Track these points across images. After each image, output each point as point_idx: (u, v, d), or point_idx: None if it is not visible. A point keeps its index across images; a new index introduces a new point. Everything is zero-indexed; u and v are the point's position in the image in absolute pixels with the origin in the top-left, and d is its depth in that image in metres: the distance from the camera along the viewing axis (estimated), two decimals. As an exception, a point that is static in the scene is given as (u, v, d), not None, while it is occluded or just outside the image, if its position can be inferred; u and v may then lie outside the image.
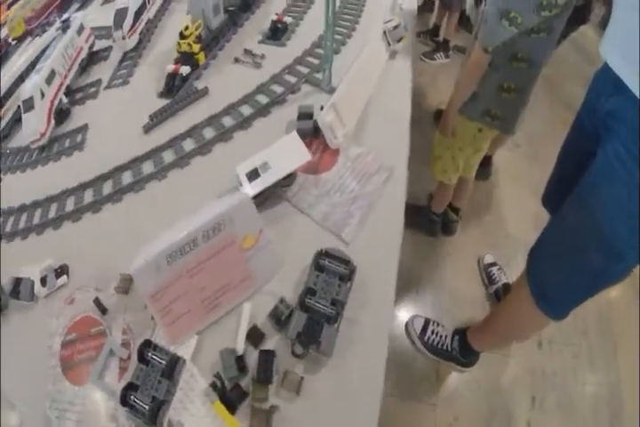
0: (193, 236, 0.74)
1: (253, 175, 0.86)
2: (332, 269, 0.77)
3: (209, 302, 0.77)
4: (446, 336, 1.77)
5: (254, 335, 0.75)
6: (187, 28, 1.27)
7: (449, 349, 1.74)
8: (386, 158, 1.02)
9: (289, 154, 0.89)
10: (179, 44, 1.27)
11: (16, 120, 1.36)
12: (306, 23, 1.51)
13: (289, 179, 0.91)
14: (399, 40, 1.37)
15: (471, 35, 3.94)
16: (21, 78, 1.41)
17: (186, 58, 1.27)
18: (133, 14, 1.48)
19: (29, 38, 1.91)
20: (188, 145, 1.07)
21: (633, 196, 0.95)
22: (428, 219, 2.21)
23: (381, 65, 1.31)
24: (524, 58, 1.37)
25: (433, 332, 1.79)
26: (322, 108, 1.00)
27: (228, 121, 1.11)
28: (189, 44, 1.25)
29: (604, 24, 3.75)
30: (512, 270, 2.07)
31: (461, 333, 1.73)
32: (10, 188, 1.18)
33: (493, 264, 2.12)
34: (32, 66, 1.43)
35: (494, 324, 1.57)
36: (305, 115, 1.02)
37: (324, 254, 0.80)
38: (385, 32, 1.34)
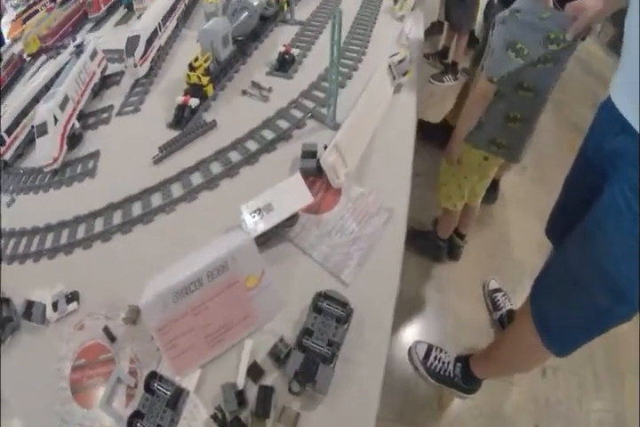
0: (198, 275, 0.80)
1: (257, 215, 0.93)
2: (330, 312, 0.83)
3: (212, 338, 0.84)
4: (449, 363, 1.81)
5: (254, 371, 0.81)
6: (196, 59, 1.35)
7: (451, 375, 1.78)
8: (386, 199, 1.08)
9: (292, 195, 0.96)
10: (188, 75, 1.34)
11: (29, 140, 1.45)
12: (313, 54, 1.59)
13: (291, 220, 0.97)
14: (404, 74, 1.44)
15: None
16: (35, 100, 1.49)
17: (195, 90, 1.34)
18: (145, 42, 1.56)
19: (43, 56, 2.01)
20: (196, 179, 1.14)
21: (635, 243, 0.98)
22: (434, 244, 2.27)
23: (387, 99, 1.38)
24: (530, 87, 1.41)
25: (436, 358, 1.84)
26: (325, 148, 1.07)
27: (234, 156, 1.17)
28: (199, 77, 1.32)
29: (612, 44, 3.82)
30: (517, 296, 2.13)
31: (464, 360, 1.77)
32: (22, 208, 1.26)
33: (498, 290, 2.17)
34: (46, 88, 1.52)
35: (497, 353, 1.61)
36: (308, 153, 1.09)
37: (322, 296, 0.86)
38: (390, 66, 1.41)
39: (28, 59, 2.10)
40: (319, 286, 0.88)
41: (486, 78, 1.42)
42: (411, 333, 2.01)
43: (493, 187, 2.50)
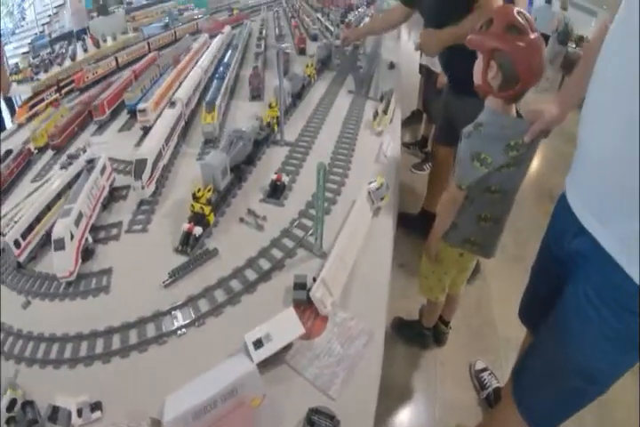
0: (213, 399, 1.03)
1: (258, 344, 1.15)
2: (321, 424, 1.06)
3: (223, 451, 1.06)
4: None
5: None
6: (199, 190, 1.61)
7: None
8: (367, 322, 1.31)
9: (287, 327, 1.19)
10: (192, 205, 1.59)
11: (42, 244, 1.64)
12: (301, 179, 1.88)
13: (288, 346, 1.22)
14: (382, 198, 1.74)
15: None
16: (48, 207, 1.69)
17: (198, 218, 1.59)
18: (151, 165, 1.80)
19: (51, 151, 2.24)
20: (203, 305, 1.36)
21: (609, 339, 1.15)
22: (420, 333, 2.51)
23: (367, 223, 1.66)
24: (497, 190, 1.65)
25: None
26: (314, 279, 1.33)
27: (235, 285, 1.41)
28: (202, 207, 1.58)
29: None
30: (504, 372, 2.34)
31: None
32: (38, 313, 1.39)
33: (484, 369, 2.38)
34: (58, 197, 1.73)
35: None
36: (300, 285, 1.34)
37: (314, 411, 1.09)
38: (369, 192, 1.71)
39: (36, 151, 2.39)
40: (311, 402, 1.08)
41: (456, 186, 1.67)
42: (399, 420, 2.19)
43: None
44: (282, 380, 1.18)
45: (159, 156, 1.92)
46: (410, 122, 5.12)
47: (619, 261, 1.13)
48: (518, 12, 1.45)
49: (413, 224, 3.14)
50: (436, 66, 3.96)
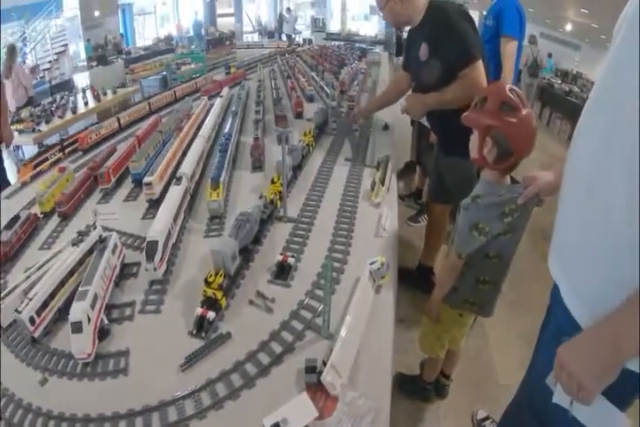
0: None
1: None
2: None
3: None
4: None
5: None
6: (210, 275, 1.76)
7: None
8: (373, 399, 1.44)
9: (301, 410, 1.34)
10: (205, 290, 1.73)
11: (55, 320, 1.74)
12: (305, 259, 2.04)
13: None
14: (383, 277, 1.90)
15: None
16: (62, 283, 1.79)
17: (211, 302, 1.72)
18: (162, 246, 1.93)
19: (63, 234, 2.37)
20: (221, 390, 1.48)
21: None
22: (422, 388, 2.64)
23: (369, 301, 1.81)
24: (494, 256, 1.82)
25: None
26: (324, 363, 1.48)
27: (250, 368, 1.54)
28: (214, 293, 1.72)
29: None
30: None
31: None
32: (57, 392, 1.46)
33: (486, 418, 2.51)
34: (70, 274, 1.85)
35: None
36: (310, 368, 1.47)
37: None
38: (371, 272, 1.87)
39: (42, 216, 2.54)
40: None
41: (455, 254, 1.83)
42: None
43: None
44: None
45: (169, 235, 2.05)
46: (404, 173, 5.34)
47: (568, 305, 1.30)
48: (510, 90, 1.63)
49: (412, 279, 3.31)
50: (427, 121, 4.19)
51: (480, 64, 2.50)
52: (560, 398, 1.24)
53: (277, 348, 1.63)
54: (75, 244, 1.96)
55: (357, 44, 10.05)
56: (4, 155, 4.19)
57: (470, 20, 2.61)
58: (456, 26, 2.51)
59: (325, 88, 4.53)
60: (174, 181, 2.44)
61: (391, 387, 1.53)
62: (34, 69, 7.34)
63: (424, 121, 4.18)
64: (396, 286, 1.94)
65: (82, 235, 1.99)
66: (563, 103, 9.37)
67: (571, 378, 1.15)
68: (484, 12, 4.32)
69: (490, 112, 1.64)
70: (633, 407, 1.33)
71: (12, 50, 5.98)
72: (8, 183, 3.69)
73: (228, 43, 7.90)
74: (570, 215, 1.34)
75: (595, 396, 1.14)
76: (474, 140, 1.75)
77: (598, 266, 1.18)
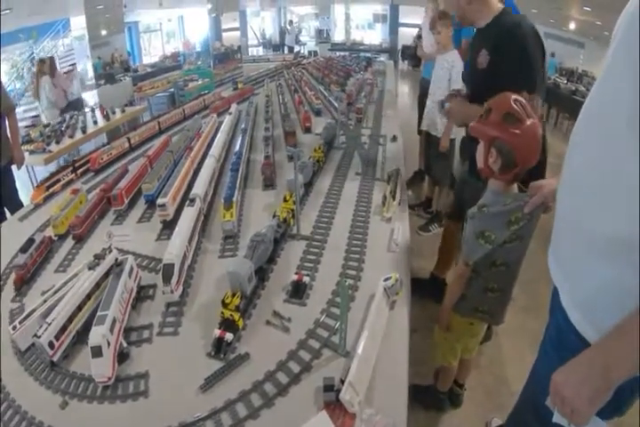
0: None
1: None
2: None
3: None
4: None
5: None
6: (228, 297, 1.80)
7: None
8: (389, 415, 1.47)
9: None
10: (222, 311, 1.76)
11: (74, 344, 1.78)
12: (320, 277, 2.08)
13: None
14: (397, 293, 1.93)
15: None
16: (79, 307, 1.83)
17: (228, 324, 1.75)
18: (178, 268, 1.98)
19: (79, 258, 2.41)
20: (241, 410, 1.51)
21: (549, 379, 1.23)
22: (436, 397, 2.67)
23: (384, 317, 1.83)
24: (502, 264, 1.84)
25: None
26: (342, 381, 1.50)
27: (269, 388, 1.57)
28: (231, 314, 1.75)
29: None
30: None
31: None
32: (78, 415, 1.49)
33: None
34: (87, 298, 1.88)
35: None
36: (328, 387, 1.50)
37: None
38: (385, 289, 1.90)
39: (56, 238, 2.60)
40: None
41: (463, 262, 1.87)
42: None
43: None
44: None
45: (184, 257, 2.10)
46: (413, 182, 5.38)
47: (565, 307, 1.33)
48: (515, 100, 1.66)
49: (425, 290, 3.33)
50: (436, 131, 4.23)
51: (538, 98, 2.37)
52: (559, 418, 1.28)
53: (295, 367, 1.66)
54: (91, 267, 1.99)
55: (362, 54, 10.11)
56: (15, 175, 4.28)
57: (542, 44, 2.43)
58: (529, 56, 2.33)
59: (333, 102, 4.57)
60: (187, 202, 2.49)
61: (407, 403, 1.56)
62: (68, 73, 7.56)
63: (433, 130, 4.25)
64: (410, 301, 1.96)
65: (98, 258, 2.03)
66: (569, 103, 9.33)
67: (564, 402, 1.19)
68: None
69: (494, 123, 1.68)
70: (633, 409, 1.38)
71: (42, 61, 6.53)
72: (21, 205, 3.77)
73: (234, 57, 8.00)
74: (565, 217, 1.36)
75: (588, 419, 1.18)
76: (480, 150, 1.78)
77: (592, 269, 1.21)
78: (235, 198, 2.55)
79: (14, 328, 1.76)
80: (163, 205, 2.57)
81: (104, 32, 8.82)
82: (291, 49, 14.84)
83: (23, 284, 2.21)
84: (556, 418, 1.28)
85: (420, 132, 4.98)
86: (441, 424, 2.64)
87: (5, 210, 3.83)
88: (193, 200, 2.47)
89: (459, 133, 4.31)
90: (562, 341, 1.39)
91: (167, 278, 1.93)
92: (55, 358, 1.68)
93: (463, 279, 1.94)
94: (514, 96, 1.68)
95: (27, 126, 5.89)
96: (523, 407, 1.74)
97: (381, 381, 1.60)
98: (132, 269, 2.07)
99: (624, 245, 1.09)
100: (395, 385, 1.60)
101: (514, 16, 2.47)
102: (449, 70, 4.00)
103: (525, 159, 1.69)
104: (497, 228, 1.73)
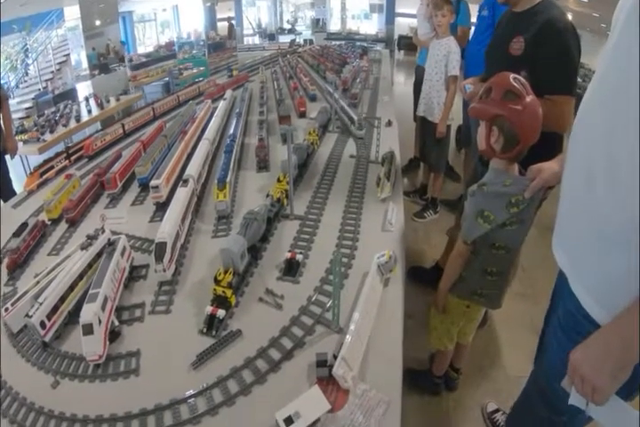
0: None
1: (289, 422, 1.30)
2: None
3: None
4: None
5: None
6: (220, 274, 1.78)
7: None
8: (384, 391, 1.45)
9: (314, 404, 1.35)
10: (214, 288, 1.74)
11: (66, 324, 1.77)
12: (313, 256, 2.06)
13: (315, 421, 1.35)
14: (391, 270, 1.91)
15: (457, 183, 4.70)
16: (71, 288, 1.82)
17: (220, 300, 1.74)
18: (170, 247, 1.96)
19: (72, 240, 2.40)
20: (232, 386, 1.49)
21: (564, 363, 1.23)
22: (431, 382, 2.66)
23: (378, 294, 1.81)
24: (501, 246, 1.82)
25: None
26: (334, 356, 1.48)
27: (261, 364, 1.55)
28: (223, 291, 1.73)
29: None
30: None
31: None
32: (69, 394, 1.49)
33: (496, 411, 2.52)
34: (80, 278, 1.87)
35: None
36: (321, 362, 1.47)
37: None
38: (379, 266, 1.87)
39: (49, 222, 2.58)
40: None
41: (462, 241, 1.86)
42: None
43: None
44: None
45: (177, 236, 2.08)
46: (408, 169, 5.36)
47: (575, 292, 1.31)
48: (514, 78, 1.65)
49: (423, 276, 3.32)
50: (432, 116, 4.20)
51: (573, 102, 2.25)
52: (576, 399, 1.26)
53: (288, 343, 1.64)
54: (84, 248, 1.98)
55: (358, 43, 10.05)
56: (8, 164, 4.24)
57: (579, 45, 2.28)
58: (573, 56, 2.24)
59: (328, 88, 4.54)
60: (181, 183, 2.47)
61: (401, 380, 1.54)
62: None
63: (429, 116, 4.21)
64: (405, 280, 1.94)
65: (90, 238, 2.01)
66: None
67: (584, 381, 1.17)
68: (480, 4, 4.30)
69: (494, 101, 1.66)
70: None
71: None
72: (14, 193, 3.74)
73: (229, 46, 7.94)
74: (571, 204, 1.36)
75: (609, 396, 1.16)
76: (481, 131, 1.76)
77: (601, 255, 1.19)
78: (228, 179, 2.53)
79: (6, 310, 1.74)
80: (156, 187, 2.55)
81: (98, 22, 8.73)
82: (290, 30, 14.78)
83: (16, 268, 2.19)
84: (573, 400, 1.27)
85: (415, 118, 4.94)
86: (436, 408, 2.64)
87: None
88: (186, 181, 2.45)
89: (454, 120, 4.33)
90: (574, 326, 1.37)
91: (159, 257, 1.91)
92: (47, 339, 1.66)
93: (462, 259, 1.92)
94: (512, 74, 1.67)
95: (20, 118, 5.82)
96: (530, 393, 1.73)
97: (375, 357, 1.58)
98: (124, 248, 2.05)
99: (636, 229, 1.07)
100: (389, 362, 1.58)
101: (556, 7, 2.32)
102: (446, 56, 3.96)
103: (527, 136, 1.66)
104: (496, 208, 1.72)
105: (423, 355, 2.78)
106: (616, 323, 1.14)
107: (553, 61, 2.22)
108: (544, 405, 1.57)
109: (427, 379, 2.67)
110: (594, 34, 9.75)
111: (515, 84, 1.63)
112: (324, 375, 1.47)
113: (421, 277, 3.32)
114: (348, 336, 1.53)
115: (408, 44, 13.19)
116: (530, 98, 1.63)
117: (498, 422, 2.47)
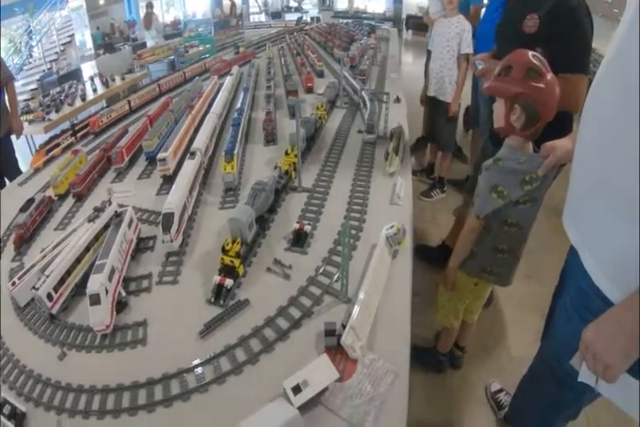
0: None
1: (297, 390, 1.29)
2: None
3: None
4: None
5: None
6: (228, 243, 1.76)
7: None
8: (392, 361, 1.45)
9: (322, 372, 1.33)
10: (222, 258, 1.73)
11: (72, 296, 1.76)
12: (321, 227, 2.04)
13: (323, 389, 1.33)
14: (399, 243, 1.88)
15: (464, 164, 4.66)
16: (78, 260, 1.81)
17: (228, 270, 1.72)
18: (178, 218, 1.94)
19: (79, 214, 2.38)
20: (240, 355, 1.48)
21: (575, 339, 1.23)
22: (436, 359, 2.66)
23: (387, 266, 1.79)
24: (513, 224, 1.81)
25: None
26: (343, 326, 1.47)
27: (269, 333, 1.54)
28: (231, 260, 1.72)
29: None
30: None
31: None
32: (76, 365, 1.49)
33: (500, 391, 2.52)
34: (86, 250, 1.86)
35: None
36: (330, 331, 1.46)
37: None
38: (388, 238, 1.85)
39: (56, 198, 2.56)
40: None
41: (474, 215, 1.84)
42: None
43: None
44: (318, 420, 1.31)
45: (184, 208, 2.07)
46: (415, 149, 5.30)
47: (587, 269, 1.30)
48: (534, 56, 1.62)
49: (430, 255, 3.29)
50: (444, 96, 4.13)
51: (586, 81, 2.20)
52: (585, 376, 1.26)
53: (296, 313, 1.63)
54: (91, 220, 1.97)
55: (366, 22, 9.91)
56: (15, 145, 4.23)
57: (592, 25, 2.29)
58: (586, 33, 2.24)
59: (336, 64, 4.48)
60: (188, 155, 2.45)
61: (409, 350, 1.53)
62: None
63: (441, 95, 4.14)
64: (412, 252, 1.92)
65: (97, 211, 2.00)
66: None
67: (596, 358, 1.17)
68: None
69: (516, 80, 1.63)
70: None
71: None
72: (20, 173, 3.73)
73: (235, 24, 7.85)
74: (583, 180, 1.34)
75: (619, 373, 1.16)
76: (499, 109, 1.73)
77: (614, 230, 1.18)
78: (236, 151, 2.50)
79: (13, 284, 1.74)
80: (163, 160, 2.53)
81: (102, 1, 8.64)
82: (297, 9, 14.61)
83: (23, 243, 2.18)
84: (582, 377, 1.27)
85: (422, 100, 4.85)
86: (441, 386, 2.64)
87: (6, 180, 3.79)
88: (193, 153, 2.43)
89: (462, 100, 4.29)
90: (586, 304, 1.36)
91: (167, 227, 1.90)
92: (54, 311, 1.66)
93: (473, 234, 1.90)
94: (531, 52, 1.64)
95: (26, 100, 5.79)
96: (538, 370, 1.73)
97: (383, 328, 1.57)
98: (131, 220, 2.04)
99: None
100: (397, 333, 1.56)
101: None
102: (459, 34, 3.89)
103: (548, 113, 1.64)
104: (510, 185, 1.70)
105: (428, 333, 2.78)
106: (629, 301, 1.12)
107: (567, 39, 2.18)
108: (552, 381, 1.57)
109: (432, 356, 2.67)
110: (606, 19, 9.61)
111: (535, 62, 1.60)
112: (333, 344, 1.46)
113: (428, 256, 3.30)
114: (356, 306, 1.51)
115: (416, 23, 13.00)
116: (550, 75, 1.61)
117: (501, 401, 2.47)
